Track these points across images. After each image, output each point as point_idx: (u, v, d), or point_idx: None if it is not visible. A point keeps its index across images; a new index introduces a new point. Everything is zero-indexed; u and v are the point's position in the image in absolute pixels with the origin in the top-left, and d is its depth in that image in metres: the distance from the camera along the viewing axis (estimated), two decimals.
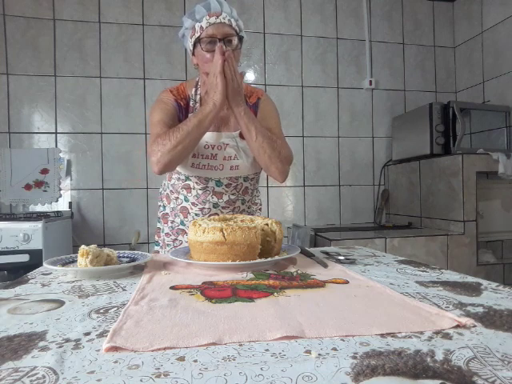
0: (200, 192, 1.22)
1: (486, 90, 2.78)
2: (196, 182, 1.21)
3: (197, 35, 1.13)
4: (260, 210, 1.41)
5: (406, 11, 3.02)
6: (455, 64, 3.10)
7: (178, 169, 1.20)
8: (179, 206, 1.27)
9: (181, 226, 1.29)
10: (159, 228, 1.38)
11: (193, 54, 1.18)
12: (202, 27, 1.11)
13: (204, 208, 1.23)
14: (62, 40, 2.52)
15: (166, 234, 1.33)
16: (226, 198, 1.23)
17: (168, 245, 1.32)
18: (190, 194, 1.24)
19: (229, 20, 1.12)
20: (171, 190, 1.30)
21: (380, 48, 2.97)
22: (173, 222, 1.31)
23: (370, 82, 2.90)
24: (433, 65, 3.07)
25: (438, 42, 3.08)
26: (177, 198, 1.28)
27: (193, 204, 1.24)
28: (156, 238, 1.40)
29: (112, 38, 2.58)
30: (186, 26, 1.16)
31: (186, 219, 1.27)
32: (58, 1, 2.50)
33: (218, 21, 1.11)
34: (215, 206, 1.23)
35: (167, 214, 1.34)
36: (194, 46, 1.15)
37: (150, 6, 2.63)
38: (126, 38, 2.60)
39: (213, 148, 1.17)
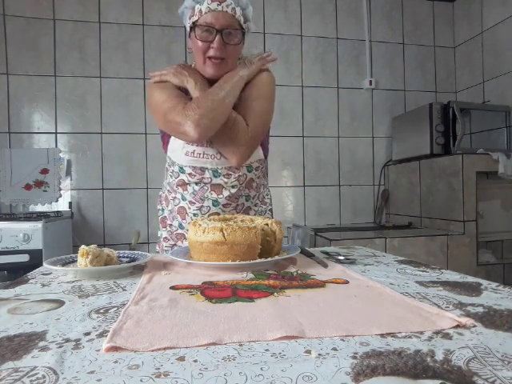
0: (196, 188, 1.12)
1: (486, 90, 2.78)
2: (190, 174, 1.10)
3: (194, 19, 1.03)
4: (271, 211, 1.27)
5: (406, 11, 3.02)
6: (455, 64, 3.10)
7: (173, 158, 1.13)
8: (177, 207, 1.18)
9: (179, 230, 1.20)
10: (159, 237, 1.29)
11: (189, 36, 1.09)
12: (201, 11, 1.01)
13: (202, 206, 1.12)
14: (62, 40, 2.52)
15: (165, 239, 1.24)
16: (226, 193, 1.12)
17: (166, 250, 1.22)
18: (186, 192, 1.14)
19: (232, 9, 1.01)
20: (168, 190, 1.22)
21: (380, 48, 2.97)
22: (171, 225, 1.23)
23: (370, 82, 2.90)
24: (433, 65, 3.07)
25: (438, 42, 3.08)
26: (174, 198, 1.20)
27: (190, 203, 1.14)
28: (157, 247, 1.30)
29: (112, 38, 2.58)
30: (186, 4, 1.06)
31: (184, 221, 1.17)
32: (58, 1, 2.50)
33: (220, 8, 1.00)
34: (215, 203, 1.12)
35: (165, 217, 1.25)
36: (191, 29, 1.06)
37: (150, 5, 2.63)
38: (126, 38, 2.60)
39: None
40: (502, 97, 2.63)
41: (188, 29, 1.09)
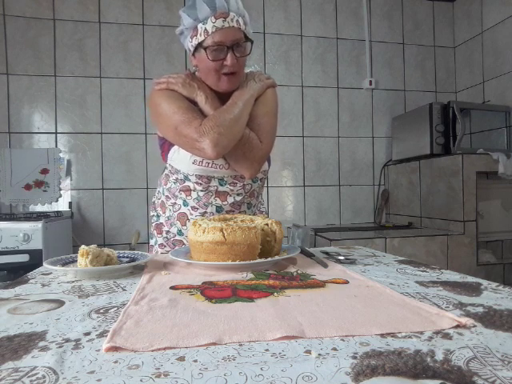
0: (201, 194, 1.10)
1: (486, 90, 2.78)
2: (196, 182, 1.09)
3: (200, 39, 1.00)
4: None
5: (406, 11, 3.02)
6: (455, 64, 3.10)
7: (177, 166, 1.10)
8: (176, 213, 1.15)
9: (178, 237, 1.17)
10: (152, 245, 1.25)
11: (193, 54, 1.07)
12: (207, 31, 0.98)
13: (206, 212, 1.11)
14: (62, 40, 2.52)
15: (160, 245, 1.20)
16: (230, 199, 1.12)
17: None
18: (189, 197, 1.12)
19: (237, 21, 0.99)
20: (167, 196, 1.18)
21: (380, 48, 2.97)
22: (168, 232, 1.19)
23: (370, 82, 2.90)
24: (433, 65, 3.08)
25: (438, 42, 3.08)
26: (174, 204, 1.16)
27: (193, 208, 1.12)
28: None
29: (112, 38, 2.58)
30: (186, 25, 1.02)
31: (184, 227, 1.14)
32: (58, 1, 2.51)
33: (227, 25, 0.98)
34: (218, 209, 1.11)
35: (162, 223, 1.21)
36: (196, 48, 1.03)
37: (150, 6, 2.63)
38: (126, 38, 2.60)
39: None
40: (502, 97, 2.63)
41: (191, 48, 1.06)
